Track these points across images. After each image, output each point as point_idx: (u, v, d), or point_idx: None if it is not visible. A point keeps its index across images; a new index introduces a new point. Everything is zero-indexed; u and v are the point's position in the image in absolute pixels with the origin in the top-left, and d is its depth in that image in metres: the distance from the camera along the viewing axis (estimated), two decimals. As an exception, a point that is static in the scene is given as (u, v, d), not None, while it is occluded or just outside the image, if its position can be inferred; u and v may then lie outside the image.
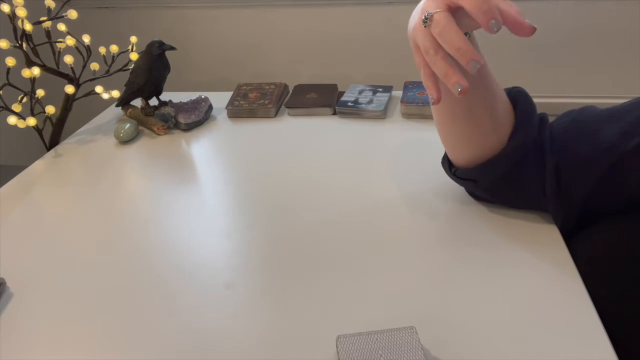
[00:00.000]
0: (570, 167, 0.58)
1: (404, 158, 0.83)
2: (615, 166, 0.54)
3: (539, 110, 0.64)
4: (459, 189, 0.72)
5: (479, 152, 0.62)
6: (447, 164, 0.69)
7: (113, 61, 1.03)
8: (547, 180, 0.59)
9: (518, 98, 0.62)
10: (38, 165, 0.92)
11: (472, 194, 0.70)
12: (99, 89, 1.01)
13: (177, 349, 0.51)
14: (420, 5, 0.51)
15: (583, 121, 0.60)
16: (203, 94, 1.06)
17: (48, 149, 0.98)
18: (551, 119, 0.64)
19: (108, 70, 1.03)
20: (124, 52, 1.04)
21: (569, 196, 0.59)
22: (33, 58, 0.93)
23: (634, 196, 0.54)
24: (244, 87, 1.11)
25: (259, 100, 1.04)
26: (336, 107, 1.01)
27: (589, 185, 0.57)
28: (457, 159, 0.66)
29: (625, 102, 0.59)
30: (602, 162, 0.55)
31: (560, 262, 0.58)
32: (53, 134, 0.99)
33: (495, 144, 0.61)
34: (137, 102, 1.06)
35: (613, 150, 0.55)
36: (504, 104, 0.61)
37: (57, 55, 0.97)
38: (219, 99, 1.08)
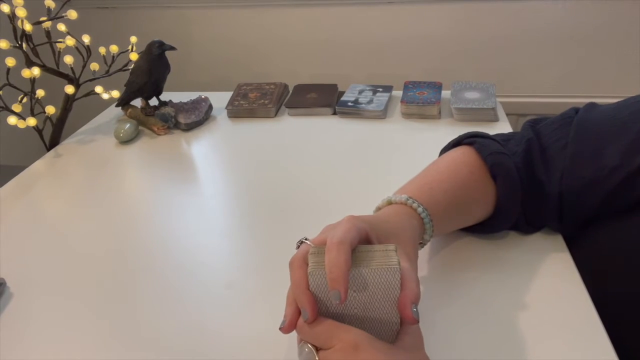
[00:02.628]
0: (572, 192, 0.56)
1: (404, 158, 0.83)
2: (620, 186, 0.53)
3: (537, 110, 0.63)
4: (459, 189, 0.72)
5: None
6: None
7: (113, 61, 1.03)
8: (549, 207, 0.58)
9: (498, 178, 0.58)
10: (38, 165, 0.92)
11: None
12: (98, 89, 1.01)
13: (177, 349, 0.51)
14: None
15: (582, 138, 0.57)
16: (203, 94, 1.06)
17: (48, 149, 0.98)
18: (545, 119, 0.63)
19: (108, 71, 1.03)
20: (124, 52, 1.04)
21: (573, 217, 0.58)
22: (33, 58, 0.93)
23: (636, 201, 0.54)
24: (244, 87, 1.11)
25: (259, 100, 1.04)
26: (336, 107, 1.01)
27: (595, 205, 0.55)
28: None
29: (621, 106, 0.57)
30: (606, 185, 0.54)
31: (561, 262, 0.58)
32: (53, 134, 0.99)
33: (485, 214, 0.60)
34: (137, 102, 1.06)
35: (618, 172, 0.53)
36: (481, 210, 0.59)
37: (57, 55, 0.97)
38: (219, 99, 1.08)
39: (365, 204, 0.72)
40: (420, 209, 0.52)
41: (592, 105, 0.60)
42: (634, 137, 0.53)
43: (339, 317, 0.39)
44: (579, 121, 0.58)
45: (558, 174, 0.57)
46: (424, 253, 0.61)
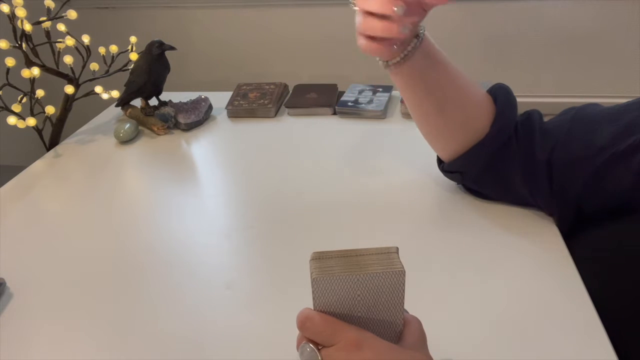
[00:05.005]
0: (563, 164, 0.59)
1: (404, 158, 0.83)
2: (607, 165, 0.55)
3: (539, 109, 0.65)
4: (457, 189, 0.72)
5: (457, 145, 0.65)
6: (438, 159, 0.72)
7: (113, 61, 1.03)
8: (538, 175, 0.60)
9: (497, 93, 0.65)
10: (38, 165, 0.92)
11: (468, 188, 0.71)
12: (98, 89, 1.01)
13: (177, 349, 0.51)
14: None
15: (580, 120, 0.60)
16: (203, 94, 1.06)
17: (48, 149, 0.98)
18: (548, 118, 0.65)
19: (108, 71, 1.02)
20: (123, 52, 1.04)
21: (562, 192, 0.59)
22: (33, 58, 0.93)
23: (630, 195, 0.54)
24: (244, 87, 1.11)
25: (259, 100, 1.04)
26: (336, 107, 1.01)
27: (582, 183, 0.57)
28: (440, 152, 0.69)
29: (626, 102, 0.59)
30: (594, 161, 0.56)
31: (560, 261, 0.58)
32: (53, 134, 0.99)
33: (475, 135, 0.63)
34: (137, 102, 1.06)
35: (606, 150, 0.55)
36: (477, 99, 0.64)
37: (57, 55, 0.97)
38: (219, 99, 1.08)
39: (365, 204, 0.73)
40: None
41: (593, 103, 0.63)
42: (628, 122, 0.55)
43: (343, 319, 0.39)
44: (580, 109, 0.62)
45: (551, 144, 0.60)
46: (420, 252, 0.61)
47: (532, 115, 0.64)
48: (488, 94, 0.66)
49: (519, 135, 0.63)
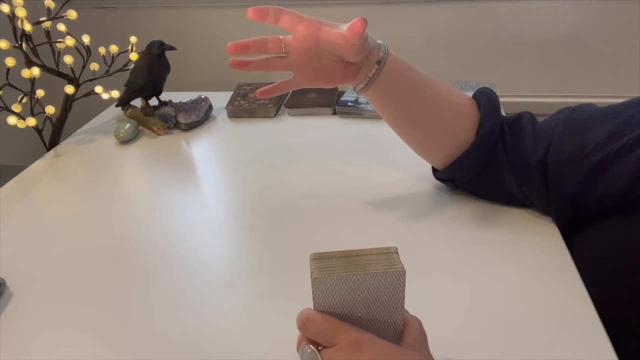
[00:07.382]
0: (557, 164, 0.59)
1: (404, 158, 0.83)
2: (602, 165, 0.55)
3: (537, 110, 0.65)
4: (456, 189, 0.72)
5: (445, 153, 0.65)
6: (432, 167, 0.72)
7: (113, 61, 1.03)
8: (532, 175, 0.60)
9: (480, 98, 0.65)
10: (38, 165, 0.92)
11: (466, 190, 0.71)
12: (98, 89, 1.01)
13: (177, 349, 0.51)
14: None
15: (575, 120, 0.60)
16: (203, 94, 1.06)
17: (48, 149, 0.98)
18: (543, 118, 0.65)
19: (108, 71, 1.03)
20: (123, 52, 1.04)
21: (557, 192, 0.59)
22: (33, 58, 0.93)
23: (625, 194, 0.54)
24: (244, 87, 1.11)
25: (258, 100, 1.04)
26: (336, 107, 1.01)
27: (577, 182, 0.57)
28: (430, 162, 0.70)
29: (621, 102, 0.59)
30: (588, 160, 0.56)
31: (560, 262, 0.58)
32: (53, 134, 0.99)
33: (461, 142, 0.64)
34: (137, 102, 1.06)
35: (600, 149, 0.55)
36: (456, 108, 0.64)
37: (57, 55, 0.97)
38: (219, 99, 1.08)
39: (365, 204, 0.73)
40: (381, 42, 0.62)
41: (588, 104, 0.63)
42: (622, 121, 0.55)
43: (343, 319, 0.39)
44: (574, 109, 0.62)
45: (545, 144, 0.60)
46: (420, 253, 0.61)
47: (523, 117, 0.64)
48: (472, 99, 0.66)
49: (507, 138, 0.63)
